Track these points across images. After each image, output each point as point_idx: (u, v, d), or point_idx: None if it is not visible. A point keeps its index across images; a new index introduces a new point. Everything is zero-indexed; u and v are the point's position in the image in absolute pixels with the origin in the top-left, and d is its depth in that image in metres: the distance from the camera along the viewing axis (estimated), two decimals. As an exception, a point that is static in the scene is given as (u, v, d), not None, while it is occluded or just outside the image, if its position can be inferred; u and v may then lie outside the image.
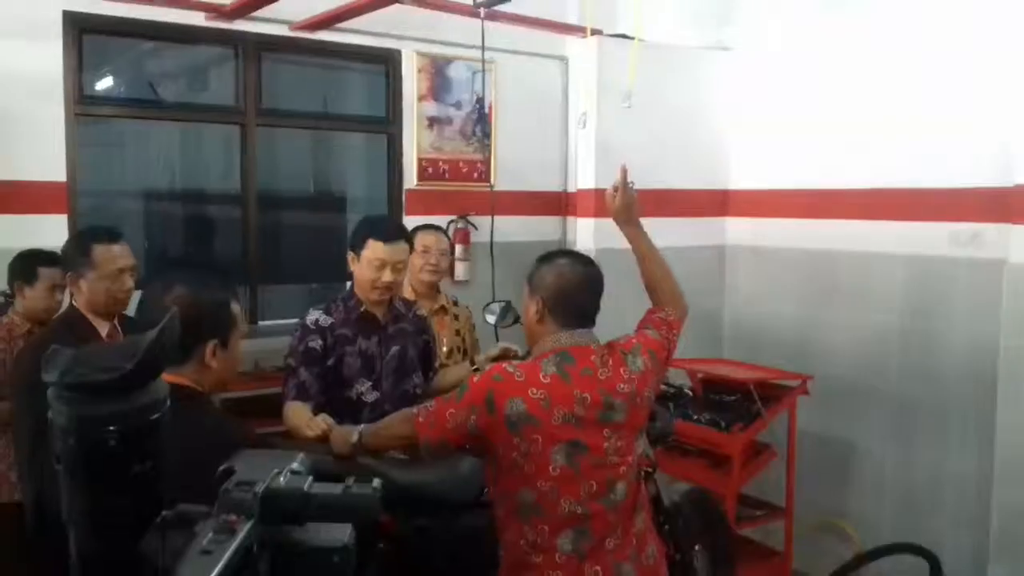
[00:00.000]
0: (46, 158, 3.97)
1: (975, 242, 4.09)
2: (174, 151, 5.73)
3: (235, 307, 1.81)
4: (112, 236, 2.77)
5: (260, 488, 0.84)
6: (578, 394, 2.21)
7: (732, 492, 4.12)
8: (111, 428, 0.82)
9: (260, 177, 4.75)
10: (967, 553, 4.11)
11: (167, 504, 0.86)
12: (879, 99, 4.47)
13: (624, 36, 4.80)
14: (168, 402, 0.93)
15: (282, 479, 0.88)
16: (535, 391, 2.18)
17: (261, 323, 4.74)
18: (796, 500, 4.37)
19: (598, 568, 2.21)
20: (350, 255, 3.00)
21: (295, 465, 0.91)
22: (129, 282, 2.76)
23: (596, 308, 2.39)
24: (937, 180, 4.22)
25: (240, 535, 0.77)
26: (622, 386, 2.27)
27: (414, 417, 2.29)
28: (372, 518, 0.89)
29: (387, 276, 2.93)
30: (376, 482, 0.91)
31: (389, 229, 3.03)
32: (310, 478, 0.90)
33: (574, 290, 2.34)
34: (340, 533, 0.87)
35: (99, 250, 2.69)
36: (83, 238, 2.77)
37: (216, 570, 0.71)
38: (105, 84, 4.75)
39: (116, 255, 2.72)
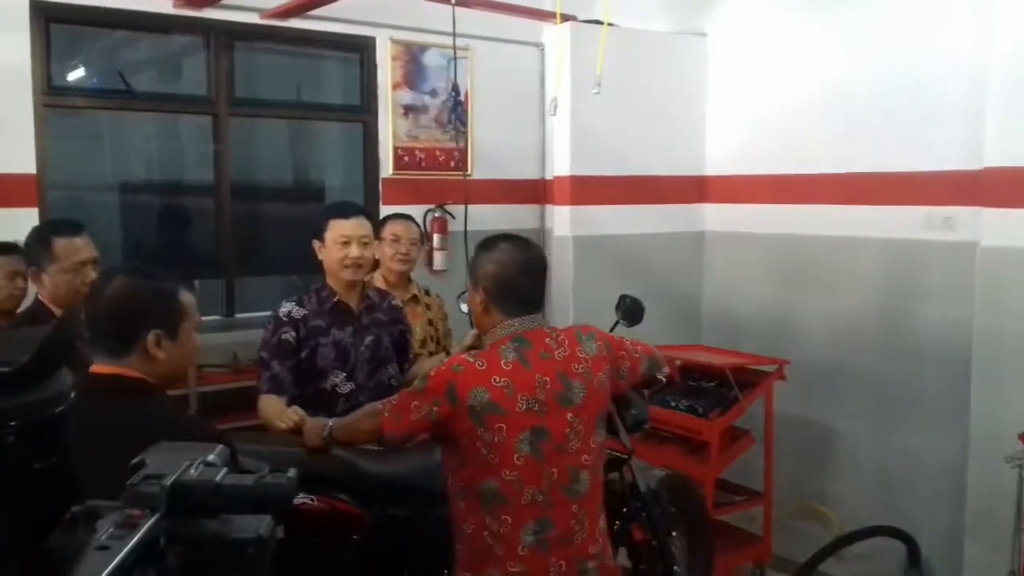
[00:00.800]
0: (14, 150, 3.92)
1: (948, 225, 4.10)
2: (150, 142, 5.66)
3: (186, 297, 1.78)
4: (73, 228, 2.74)
5: (168, 481, 0.82)
6: (539, 378, 2.20)
7: (711, 478, 4.13)
8: (10, 423, 0.80)
9: (237, 168, 4.71)
10: (944, 533, 4.13)
11: (87, 498, 0.83)
12: (853, 84, 4.48)
13: (599, 22, 4.78)
14: (72, 395, 0.91)
15: (193, 471, 0.85)
16: (498, 379, 2.16)
17: (239, 315, 4.70)
18: (775, 485, 4.38)
19: (562, 563, 2.19)
20: (316, 244, 3.01)
21: (211, 457, 0.89)
22: (92, 274, 2.72)
23: (541, 292, 2.36)
24: (910, 164, 4.23)
25: (142, 530, 0.75)
26: (577, 366, 2.26)
27: (380, 413, 2.29)
28: (285, 508, 0.86)
29: (354, 251, 2.94)
30: (292, 472, 0.89)
31: (346, 207, 3.10)
32: (224, 469, 0.87)
33: (516, 277, 2.29)
34: (257, 524, 0.85)
35: (60, 243, 2.66)
36: (43, 231, 2.75)
37: (112, 566, 0.69)
38: (76, 75, 4.69)
39: (78, 247, 2.69)
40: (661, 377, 3.58)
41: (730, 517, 4.44)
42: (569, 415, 2.22)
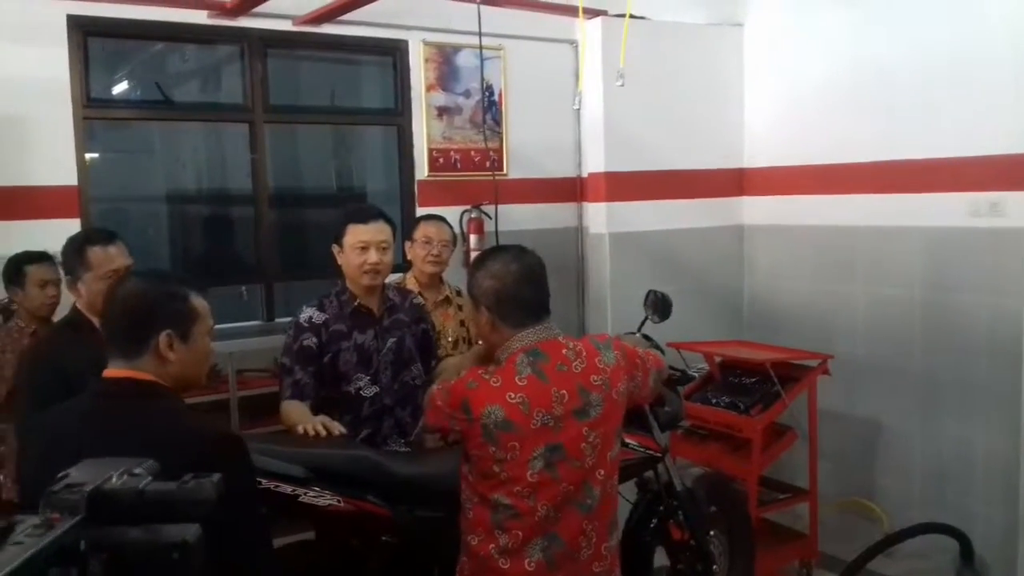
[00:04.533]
0: (56, 162, 4.01)
1: (994, 211, 3.97)
2: (192, 152, 5.77)
3: (198, 301, 1.79)
4: (107, 237, 2.76)
5: (88, 488, 0.83)
6: (556, 392, 2.13)
7: (753, 475, 4.06)
8: None
9: (281, 175, 4.76)
10: (998, 530, 4.00)
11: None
12: (893, 71, 4.37)
13: (633, 16, 4.72)
14: None
15: (115, 480, 0.85)
16: (513, 395, 2.10)
17: (279, 320, 4.75)
18: (821, 482, 4.28)
19: None
20: (335, 249, 2.98)
21: (137, 469, 0.89)
22: None
23: (545, 297, 2.27)
24: (953, 150, 4.11)
25: (58, 531, 0.75)
26: (596, 378, 2.19)
27: (429, 396, 2.33)
28: (208, 512, 0.85)
29: (372, 257, 2.90)
30: (216, 476, 0.88)
31: (365, 211, 3.03)
32: (149, 478, 0.87)
33: (515, 289, 2.21)
34: (183, 531, 0.85)
35: (94, 252, 2.69)
36: (77, 241, 2.76)
37: (25, 556, 0.69)
38: (117, 88, 4.80)
39: (112, 256, 2.70)
40: (694, 374, 3.56)
41: (775, 515, 4.36)
42: (585, 429, 2.15)
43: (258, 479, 2.00)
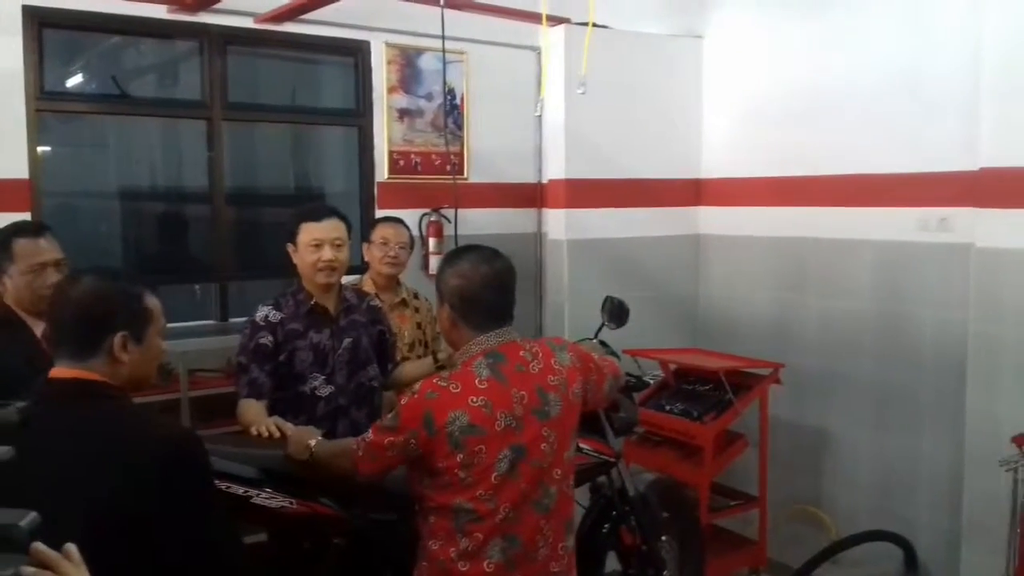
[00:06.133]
0: (7, 155, 3.92)
1: (943, 227, 4.07)
2: (153, 149, 5.67)
3: (151, 301, 1.76)
4: (37, 230, 2.66)
5: None
6: (515, 393, 2.14)
7: (705, 482, 4.11)
8: None
9: (237, 174, 4.70)
10: (941, 538, 4.09)
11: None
12: (848, 86, 4.46)
13: (596, 25, 4.75)
14: None
15: None
16: (475, 399, 2.10)
17: (233, 320, 4.69)
18: (770, 489, 4.35)
19: None
20: (289, 248, 2.96)
21: None
22: (54, 277, 2.56)
23: (510, 304, 2.27)
24: (905, 165, 4.21)
25: None
26: (552, 378, 2.21)
27: (354, 452, 2.24)
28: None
29: (327, 254, 2.89)
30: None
31: (318, 209, 3.02)
32: None
33: (480, 291, 2.20)
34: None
35: (21, 244, 2.58)
36: (5, 233, 2.64)
37: None
38: (72, 81, 4.71)
39: (40, 248, 2.60)
40: (649, 380, 3.60)
41: (725, 521, 4.42)
42: (544, 429, 2.17)
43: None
